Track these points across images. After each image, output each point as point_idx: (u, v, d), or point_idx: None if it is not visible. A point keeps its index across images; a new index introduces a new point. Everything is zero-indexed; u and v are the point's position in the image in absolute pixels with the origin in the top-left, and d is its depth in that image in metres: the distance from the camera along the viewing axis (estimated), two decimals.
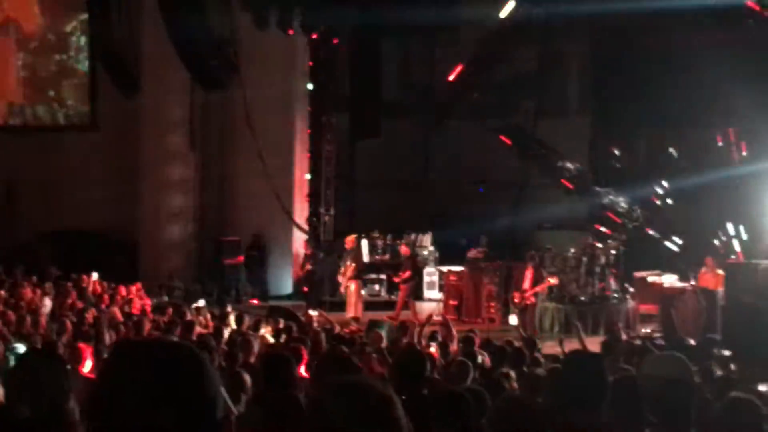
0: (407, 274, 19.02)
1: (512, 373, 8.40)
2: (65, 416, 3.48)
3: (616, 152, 23.99)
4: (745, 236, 20.88)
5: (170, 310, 15.11)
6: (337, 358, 6.29)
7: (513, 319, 17.57)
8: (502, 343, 11.71)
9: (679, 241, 22.00)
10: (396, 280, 19.15)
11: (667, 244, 21.92)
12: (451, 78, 23.22)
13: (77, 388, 7.09)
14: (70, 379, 3.62)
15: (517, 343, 11.65)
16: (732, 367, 10.62)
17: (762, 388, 8.70)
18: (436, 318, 14.14)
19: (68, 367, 7.55)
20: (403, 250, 20.00)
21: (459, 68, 23.17)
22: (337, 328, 13.42)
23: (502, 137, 22.61)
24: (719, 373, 9.25)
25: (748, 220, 20.66)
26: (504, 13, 21.69)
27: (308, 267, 22.18)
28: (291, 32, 22.32)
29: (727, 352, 12.45)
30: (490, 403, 5.04)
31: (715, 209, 21.47)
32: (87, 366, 8.09)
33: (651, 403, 4.47)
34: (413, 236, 23.17)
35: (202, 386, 2.04)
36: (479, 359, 9.79)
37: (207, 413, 2.03)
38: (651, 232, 21.85)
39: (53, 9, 26.20)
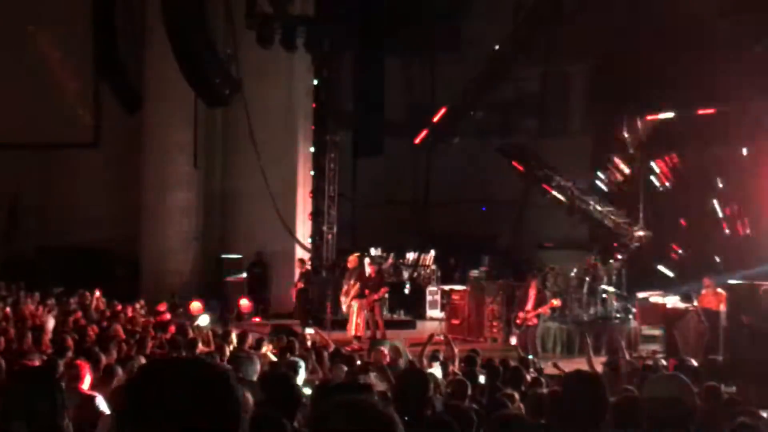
0: (383, 290, 18.97)
1: (516, 395, 8.37)
2: None
3: (618, 172, 24.03)
4: None
5: (172, 328, 15.10)
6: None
7: (513, 340, 17.57)
8: (498, 363, 11.68)
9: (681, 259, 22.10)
10: (367, 302, 18.87)
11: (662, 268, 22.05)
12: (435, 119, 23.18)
13: (76, 405, 7.08)
14: (66, 396, 3.61)
15: (513, 363, 11.63)
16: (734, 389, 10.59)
17: (765, 414, 8.63)
18: (437, 337, 14.10)
19: (63, 384, 7.56)
20: (371, 268, 19.74)
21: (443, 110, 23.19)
22: (332, 347, 13.38)
23: (515, 163, 22.63)
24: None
25: None
26: None
27: (299, 285, 22.13)
28: (295, 50, 22.35)
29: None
30: (477, 422, 5.03)
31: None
32: (86, 383, 8.07)
33: (652, 424, 4.46)
34: (415, 255, 23.18)
35: (231, 409, 2.02)
36: (481, 379, 9.77)
37: None
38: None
39: (58, 25, 26.29)
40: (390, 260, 21.94)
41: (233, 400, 2.03)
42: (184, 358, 2.06)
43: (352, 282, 19.10)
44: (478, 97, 23.94)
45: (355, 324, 18.84)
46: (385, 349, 11.87)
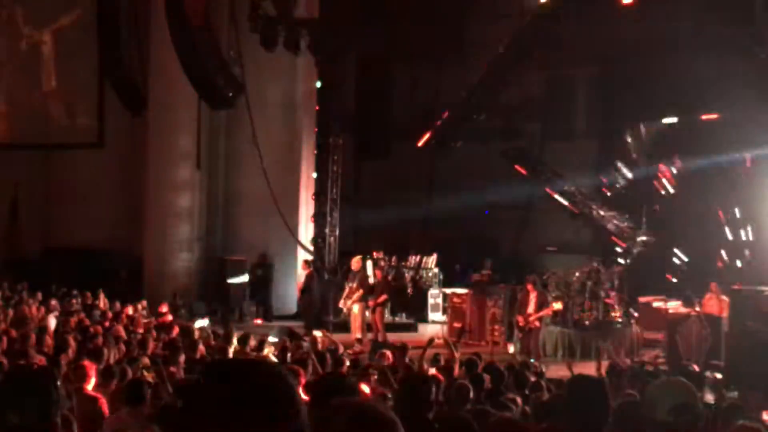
0: (383, 297, 19.04)
1: (518, 399, 8.36)
2: (52, 429, 3.49)
3: (622, 175, 24.04)
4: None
5: (176, 329, 15.10)
6: (334, 378, 6.24)
7: (512, 348, 17.57)
8: (503, 366, 11.65)
9: (683, 264, 22.10)
10: (371, 304, 18.99)
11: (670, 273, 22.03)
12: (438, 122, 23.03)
13: (80, 405, 7.10)
14: (71, 397, 3.65)
15: (516, 367, 11.61)
16: (724, 392, 10.58)
17: (766, 416, 8.65)
18: (437, 341, 14.08)
19: (67, 383, 7.58)
20: (377, 273, 19.83)
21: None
22: (341, 349, 13.39)
23: (518, 167, 22.63)
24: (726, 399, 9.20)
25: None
26: None
27: (300, 286, 22.16)
28: (298, 53, 22.36)
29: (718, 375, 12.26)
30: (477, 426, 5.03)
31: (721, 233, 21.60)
32: (91, 384, 8.09)
33: (656, 429, 4.45)
34: (417, 258, 23.16)
35: (295, 412, 2.03)
36: (485, 383, 9.75)
37: None
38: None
39: (63, 25, 26.31)
40: (382, 263, 21.88)
41: (291, 399, 2.03)
42: (242, 359, 2.03)
43: (354, 285, 19.12)
44: (482, 101, 23.92)
45: (357, 326, 18.84)
46: (389, 353, 11.84)
